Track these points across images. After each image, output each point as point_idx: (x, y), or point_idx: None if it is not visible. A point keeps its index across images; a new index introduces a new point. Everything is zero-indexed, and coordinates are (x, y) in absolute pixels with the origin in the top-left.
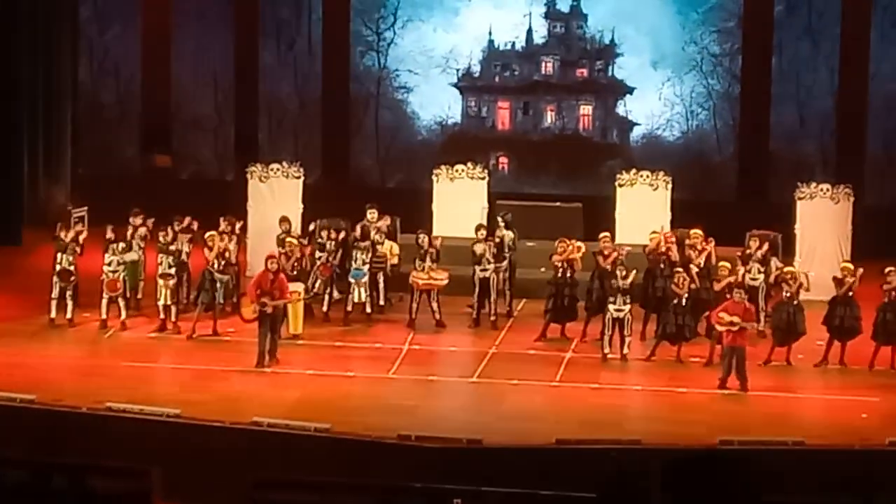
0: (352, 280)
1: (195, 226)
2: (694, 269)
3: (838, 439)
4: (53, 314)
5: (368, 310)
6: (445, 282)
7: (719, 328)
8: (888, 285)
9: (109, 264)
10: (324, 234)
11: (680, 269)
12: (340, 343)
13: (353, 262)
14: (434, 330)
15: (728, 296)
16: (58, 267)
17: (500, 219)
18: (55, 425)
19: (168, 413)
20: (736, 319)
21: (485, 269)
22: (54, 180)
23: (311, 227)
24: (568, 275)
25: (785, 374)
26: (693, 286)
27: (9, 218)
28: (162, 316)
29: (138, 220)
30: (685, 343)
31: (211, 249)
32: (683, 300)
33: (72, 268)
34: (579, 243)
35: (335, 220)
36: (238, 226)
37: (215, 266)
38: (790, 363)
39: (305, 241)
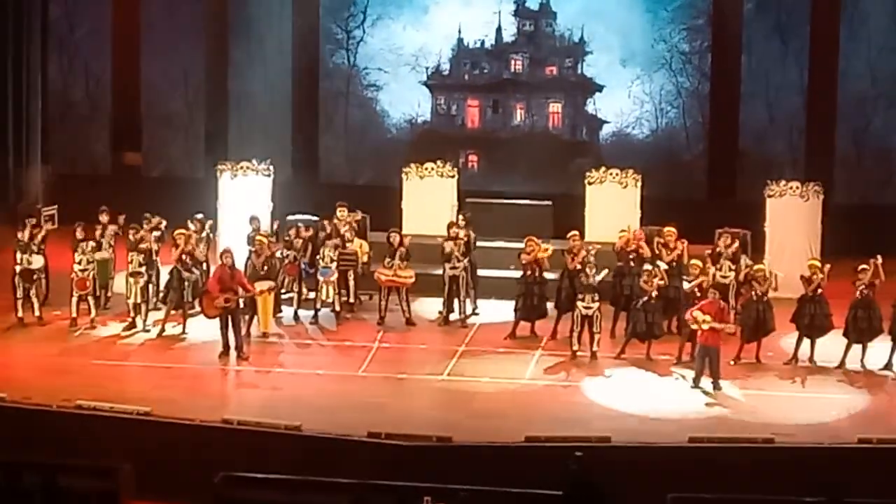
0: (320, 278)
1: (163, 224)
2: (663, 267)
3: (808, 437)
4: (20, 313)
5: (337, 308)
6: (411, 280)
7: (694, 327)
8: (860, 282)
9: (79, 263)
10: (291, 232)
11: (649, 267)
12: (310, 341)
13: (321, 260)
14: (404, 328)
15: (699, 295)
16: (18, 268)
17: (461, 217)
18: (25, 424)
19: (138, 411)
20: (709, 319)
21: (454, 268)
22: (24, 178)
23: (275, 224)
24: (536, 273)
25: (755, 372)
26: (662, 283)
27: None
28: (132, 314)
29: (107, 218)
30: (654, 341)
31: (178, 247)
32: (652, 298)
33: (33, 266)
34: (546, 245)
35: (305, 217)
36: (207, 225)
37: (182, 264)
38: (760, 361)
39: (275, 239)
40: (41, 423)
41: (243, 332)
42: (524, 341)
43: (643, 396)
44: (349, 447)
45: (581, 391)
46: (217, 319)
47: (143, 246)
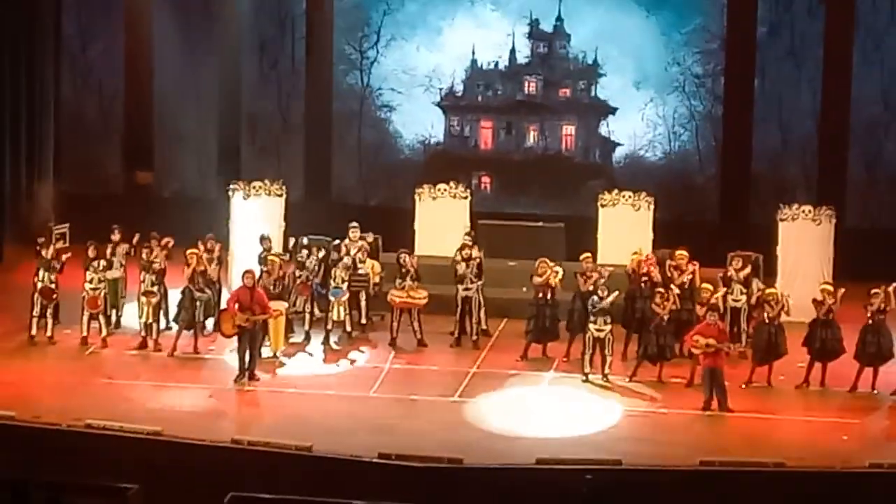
0: (331, 298)
1: (170, 244)
2: (675, 290)
3: (819, 461)
4: (34, 331)
5: (349, 328)
6: (424, 301)
7: (695, 351)
8: (871, 306)
9: (91, 281)
10: (304, 252)
11: (661, 290)
12: (321, 361)
13: (332, 281)
14: (415, 349)
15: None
16: (39, 284)
17: (466, 236)
18: (34, 442)
19: (148, 431)
20: (711, 342)
21: (467, 289)
22: (36, 197)
23: (291, 243)
24: (548, 296)
25: (766, 396)
26: (674, 307)
27: None
28: (143, 333)
29: (118, 237)
30: (666, 363)
31: (189, 267)
32: (664, 320)
33: (53, 285)
34: (557, 268)
35: (318, 238)
36: (217, 246)
37: (194, 284)
38: (771, 384)
39: (287, 258)
40: (51, 442)
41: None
42: (536, 363)
43: (653, 419)
44: (360, 468)
45: (593, 413)
46: (235, 340)
47: (155, 265)
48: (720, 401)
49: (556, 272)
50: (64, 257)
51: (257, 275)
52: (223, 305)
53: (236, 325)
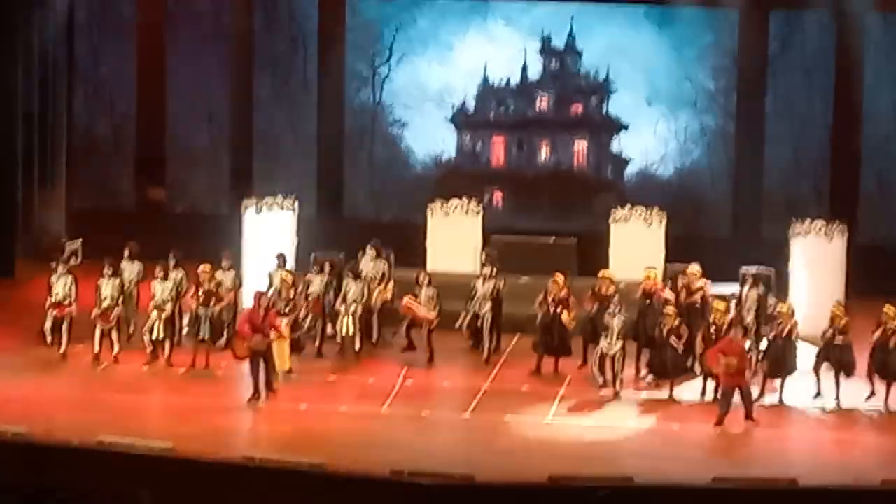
0: (340, 310)
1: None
2: (671, 310)
3: (832, 478)
4: (48, 340)
5: (358, 345)
6: (432, 317)
7: (715, 370)
8: (882, 325)
9: (103, 298)
10: (315, 268)
11: (670, 307)
12: (333, 378)
13: (346, 293)
14: (427, 365)
15: (715, 335)
16: (53, 298)
17: (484, 255)
18: (46, 458)
19: (160, 447)
20: (732, 361)
21: (483, 308)
22: (49, 213)
23: (312, 259)
24: (558, 310)
25: (778, 412)
26: (675, 325)
27: (2, 250)
28: (150, 349)
29: (129, 253)
30: (677, 381)
31: (199, 284)
32: (674, 337)
33: (67, 301)
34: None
35: (330, 254)
36: (228, 263)
37: (199, 300)
38: (783, 402)
39: (300, 276)
40: (62, 458)
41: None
42: (548, 379)
43: (666, 436)
44: (372, 485)
45: (604, 430)
46: (248, 362)
47: (167, 282)
48: (747, 410)
49: (563, 288)
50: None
51: (270, 293)
52: (232, 320)
53: (248, 347)
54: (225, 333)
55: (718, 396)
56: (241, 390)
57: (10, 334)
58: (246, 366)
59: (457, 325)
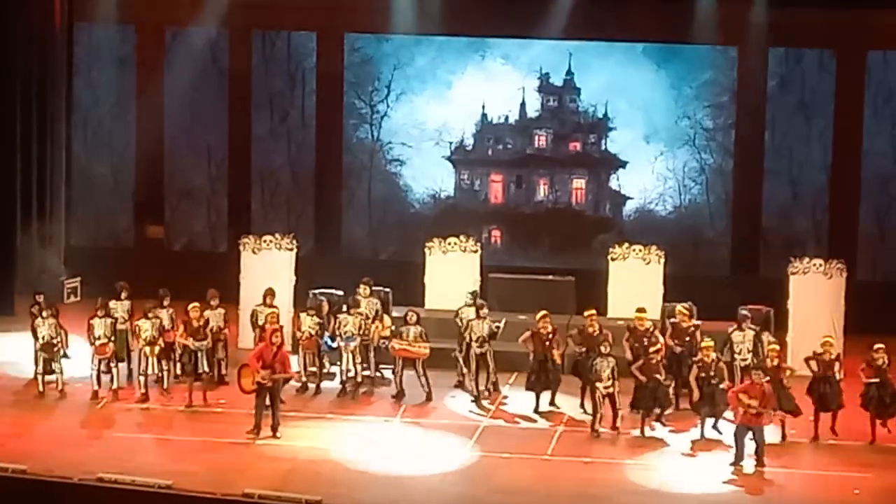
0: (341, 344)
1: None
2: (653, 350)
3: None
4: (41, 388)
5: (359, 380)
6: (425, 353)
7: (739, 410)
8: (873, 361)
9: (96, 337)
10: (310, 309)
11: (658, 346)
12: (332, 415)
13: (344, 328)
14: (424, 402)
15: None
16: (40, 340)
17: (469, 295)
18: (46, 496)
19: (159, 484)
20: (754, 403)
21: (481, 346)
22: (48, 250)
23: (309, 298)
24: (547, 346)
25: (778, 450)
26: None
27: (2, 288)
28: (142, 389)
29: (125, 294)
30: (665, 415)
31: (188, 322)
32: (664, 374)
33: (55, 340)
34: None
35: (328, 292)
36: (216, 301)
37: (185, 337)
38: (785, 438)
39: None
40: (62, 496)
41: None
42: (547, 416)
43: (665, 473)
44: None
45: (603, 467)
46: (253, 396)
47: (158, 319)
48: (758, 456)
49: (547, 326)
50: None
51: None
52: (230, 358)
53: (255, 381)
54: (217, 371)
55: (705, 432)
56: (239, 427)
57: (10, 372)
58: (243, 402)
59: (453, 355)
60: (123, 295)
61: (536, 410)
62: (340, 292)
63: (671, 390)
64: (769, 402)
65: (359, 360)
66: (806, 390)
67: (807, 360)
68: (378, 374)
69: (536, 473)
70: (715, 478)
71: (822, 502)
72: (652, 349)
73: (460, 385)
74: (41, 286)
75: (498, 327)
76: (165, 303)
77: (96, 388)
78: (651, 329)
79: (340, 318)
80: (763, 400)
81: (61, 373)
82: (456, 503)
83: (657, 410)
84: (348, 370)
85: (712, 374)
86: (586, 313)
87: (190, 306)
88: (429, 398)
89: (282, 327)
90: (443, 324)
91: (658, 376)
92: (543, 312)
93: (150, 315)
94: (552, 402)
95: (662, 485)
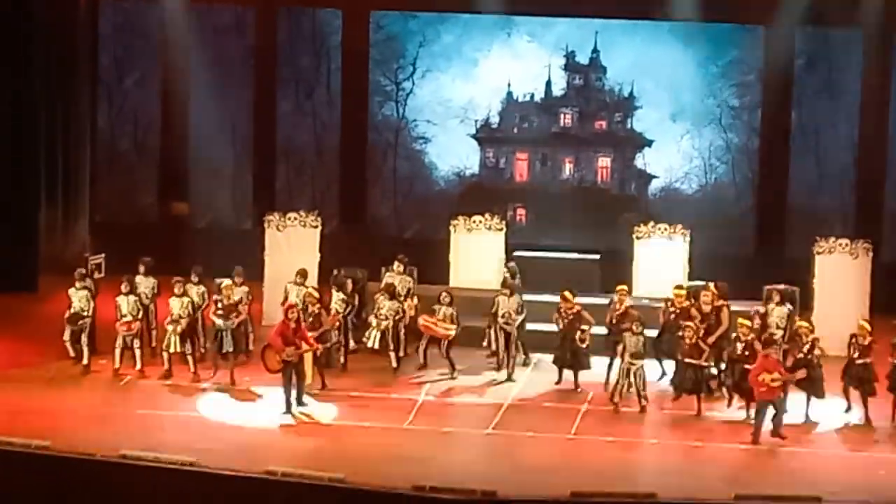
0: (372, 321)
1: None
2: (691, 325)
3: (855, 496)
4: (72, 353)
5: (395, 362)
6: (451, 333)
7: (762, 388)
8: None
9: (123, 315)
10: (335, 286)
11: (689, 324)
12: (356, 393)
13: (379, 311)
14: (450, 381)
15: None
16: (70, 310)
17: (506, 270)
18: (69, 473)
19: (182, 461)
20: (776, 376)
21: (507, 324)
22: (72, 227)
23: (335, 275)
24: (571, 326)
25: (803, 430)
26: (699, 341)
27: (25, 264)
28: (167, 365)
29: (144, 269)
30: (704, 397)
31: (221, 299)
32: (693, 354)
33: (84, 312)
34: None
35: (352, 270)
36: (240, 279)
37: (219, 315)
38: (809, 418)
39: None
40: (85, 473)
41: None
42: (570, 395)
43: (688, 452)
44: (393, 500)
45: (627, 446)
46: (281, 375)
47: (185, 298)
48: (775, 426)
49: (572, 304)
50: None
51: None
52: (256, 336)
53: (281, 360)
54: (245, 345)
55: (752, 414)
56: (263, 405)
57: (34, 348)
58: (268, 380)
59: (484, 344)
60: (142, 269)
61: (558, 383)
62: (363, 270)
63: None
64: (785, 370)
65: (386, 339)
66: (842, 376)
67: (849, 345)
68: (405, 353)
69: (560, 452)
70: (739, 457)
71: (847, 483)
72: (688, 328)
73: (492, 355)
74: (67, 262)
75: (522, 309)
76: (196, 279)
77: (118, 366)
78: (711, 308)
79: (378, 300)
80: (781, 370)
81: (91, 348)
82: (479, 481)
83: (691, 392)
84: (374, 348)
85: (810, 356)
86: (617, 288)
87: (223, 284)
88: (453, 373)
89: (318, 300)
90: (467, 302)
91: (698, 360)
92: (566, 292)
93: (178, 292)
94: (576, 385)
95: (688, 463)
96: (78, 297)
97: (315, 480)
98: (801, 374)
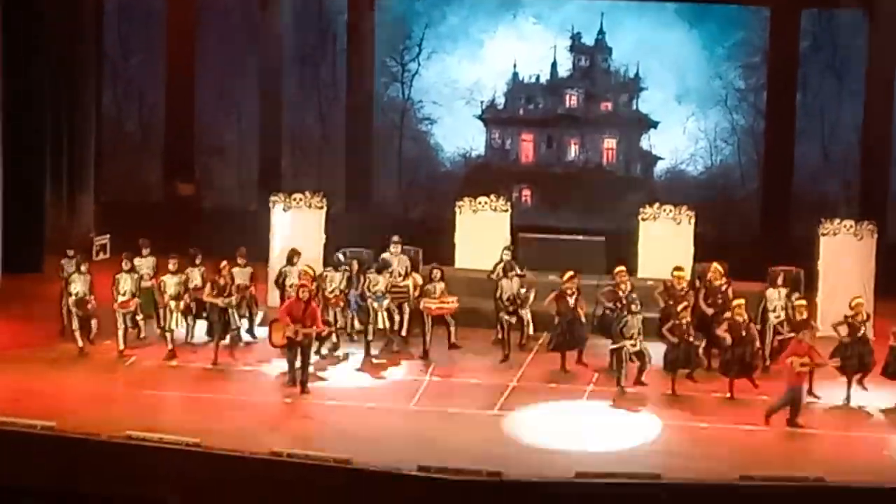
0: (374, 304)
1: (198, 259)
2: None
3: (859, 477)
4: (80, 343)
5: (396, 346)
6: (455, 305)
7: (796, 370)
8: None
9: (122, 292)
10: (333, 266)
11: (686, 303)
12: (361, 373)
13: (374, 288)
14: (454, 362)
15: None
16: (73, 296)
17: (505, 251)
18: (74, 453)
19: (187, 442)
20: (806, 360)
21: (511, 305)
22: (77, 207)
23: (338, 255)
24: (572, 305)
25: (806, 410)
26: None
27: (31, 245)
28: (169, 346)
29: (147, 251)
30: (697, 376)
31: (216, 280)
32: (692, 332)
33: (88, 296)
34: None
35: (356, 250)
36: (243, 260)
37: (213, 294)
38: (813, 394)
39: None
40: (90, 453)
41: None
42: (575, 376)
43: (692, 433)
44: (399, 481)
45: (632, 426)
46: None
47: (183, 277)
48: (793, 416)
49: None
50: (84, 268)
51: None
52: (257, 313)
53: (286, 335)
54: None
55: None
56: (268, 385)
57: (39, 329)
58: (271, 361)
59: (497, 336)
60: (145, 251)
61: (563, 369)
62: (369, 251)
63: (701, 350)
64: (817, 355)
65: (390, 318)
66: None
67: (834, 325)
68: (409, 333)
69: (565, 432)
70: (743, 438)
71: (852, 464)
72: (680, 306)
73: (497, 343)
74: (71, 243)
75: (526, 294)
76: (197, 261)
77: (122, 347)
78: (685, 288)
79: (370, 278)
80: (812, 354)
81: (94, 330)
82: (485, 462)
83: (686, 370)
84: (382, 328)
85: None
86: (616, 270)
87: (221, 265)
88: (452, 347)
89: (313, 279)
90: (473, 283)
91: (688, 337)
92: (570, 273)
93: (172, 269)
94: (579, 361)
95: (693, 445)
96: (81, 282)
97: (321, 461)
98: (836, 361)
